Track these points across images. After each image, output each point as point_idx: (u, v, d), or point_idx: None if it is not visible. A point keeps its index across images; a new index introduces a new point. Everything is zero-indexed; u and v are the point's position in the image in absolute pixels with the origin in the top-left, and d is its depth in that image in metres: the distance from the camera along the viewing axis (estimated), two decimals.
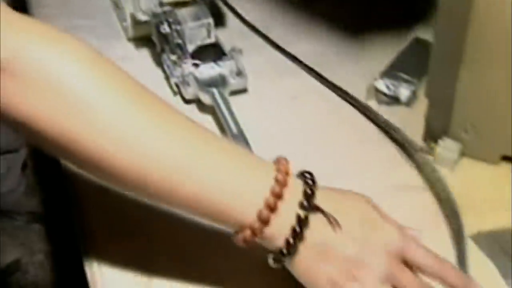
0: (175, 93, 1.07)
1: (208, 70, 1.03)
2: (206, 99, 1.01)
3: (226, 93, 1.01)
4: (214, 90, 1.00)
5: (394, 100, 1.09)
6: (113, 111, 0.61)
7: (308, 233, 0.64)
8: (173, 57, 1.06)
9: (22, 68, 0.59)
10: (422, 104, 1.03)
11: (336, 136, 1.03)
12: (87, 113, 0.60)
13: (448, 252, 0.83)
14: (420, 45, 1.17)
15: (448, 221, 0.88)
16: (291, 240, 0.64)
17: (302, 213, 0.64)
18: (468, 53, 0.90)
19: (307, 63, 1.16)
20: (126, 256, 0.80)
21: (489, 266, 0.83)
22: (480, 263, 0.83)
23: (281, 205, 0.64)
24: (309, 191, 0.65)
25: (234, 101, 1.02)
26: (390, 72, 1.11)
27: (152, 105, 0.64)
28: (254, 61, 1.14)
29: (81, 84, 0.60)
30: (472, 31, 0.88)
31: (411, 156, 0.97)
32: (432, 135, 0.99)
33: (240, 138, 0.93)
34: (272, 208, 0.63)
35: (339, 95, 1.10)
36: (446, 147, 0.97)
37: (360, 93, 1.10)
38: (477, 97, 0.93)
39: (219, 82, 1.02)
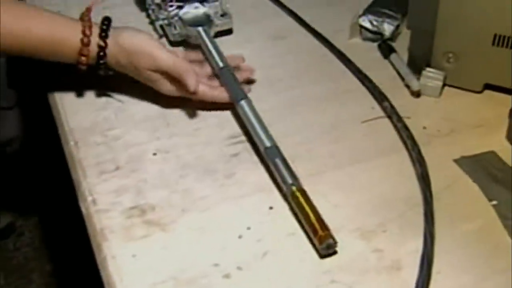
0: (160, 36, 1.10)
1: (192, 9, 1.06)
2: (192, 38, 1.04)
3: (211, 32, 1.04)
4: (200, 29, 1.03)
5: (378, 36, 1.12)
6: None
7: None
8: (157, 1, 1.08)
9: None
10: (406, 38, 1.05)
11: (315, 74, 1.06)
12: None
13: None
14: None
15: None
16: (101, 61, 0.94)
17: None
18: None
19: (290, 4, 1.19)
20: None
21: (474, 188, 0.86)
22: (465, 186, 0.87)
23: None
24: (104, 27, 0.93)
25: (218, 42, 1.04)
26: (374, 9, 1.14)
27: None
28: (238, 2, 1.17)
29: None
30: None
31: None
32: (415, 65, 1.02)
33: (227, 71, 0.96)
34: (85, 44, 0.92)
35: (317, 38, 1.14)
36: (430, 77, 1.00)
37: (344, 31, 1.13)
38: (458, 26, 0.96)
39: (204, 20, 1.05)
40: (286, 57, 1.10)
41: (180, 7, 1.06)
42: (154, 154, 0.90)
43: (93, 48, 0.92)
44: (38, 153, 1.77)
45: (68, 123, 0.95)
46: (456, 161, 0.90)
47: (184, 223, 0.81)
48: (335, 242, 0.76)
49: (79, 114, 0.96)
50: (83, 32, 0.92)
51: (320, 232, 0.76)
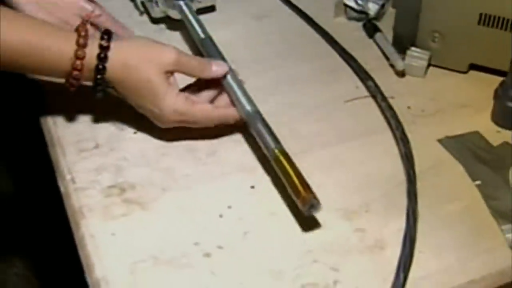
0: (141, 13, 1.09)
1: None
2: (174, 13, 1.03)
3: (193, 8, 1.03)
4: (181, 2, 1.02)
5: (363, 15, 1.11)
6: None
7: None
8: None
9: None
10: (391, 18, 1.05)
11: (299, 54, 1.06)
12: None
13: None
14: None
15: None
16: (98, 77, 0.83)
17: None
18: None
19: None
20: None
21: (458, 169, 0.86)
22: (449, 166, 0.87)
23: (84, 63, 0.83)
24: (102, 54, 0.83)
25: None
26: None
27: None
28: None
29: None
30: None
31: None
32: (400, 45, 1.01)
33: (209, 42, 0.95)
34: (79, 56, 0.82)
35: (301, 17, 1.13)
36: (415, 56, 1.00)
37: (329, 10, 1.13)
38: (443, 5, 0.96)
39: None
40: (270, 36, 1.09)
41: None
42: (135, 133, 0.89)
43: (89, 62, 0.82)
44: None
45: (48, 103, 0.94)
46: (440, 141, 0.89)
47: (165, 202, 0.80)
48: (318, 203, 0.75)
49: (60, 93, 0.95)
50: (77, 43, 0.82)
51: (303, 193, 0.75)
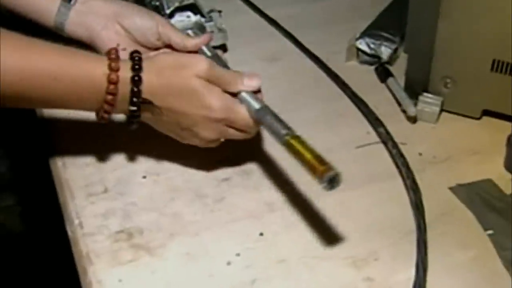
0: None
1: (184, 18, 1.10)
2: None
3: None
4: (189, 31, 1.04)
5: (375, 59, 1.13)
6: None
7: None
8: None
9: None
10: (404, 63, 1.07)
11: (310, 97, 1.08)
12: None
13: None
14: (401, 4, 1.19)
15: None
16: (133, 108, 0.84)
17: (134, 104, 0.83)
18: (446, 5, 0.94)
19: (286, 25, 1.21)
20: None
21: (469, 217, 0.87)
22: (460, 215, 0.88)
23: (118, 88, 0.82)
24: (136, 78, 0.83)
25: None
26: (371, 31, 1.15)
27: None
28: (233, 23, 1.18)
29: None
30: None
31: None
32: (412, 90, 1.03)
33: (216, 58, 0.95)
34: (112, 81, 0.82)
35: (313, 60, 1.15)
36: (427, 102, 1.01)
37: (341, 54, 1.15)
38: (456, 50, 0.98)
39: (195, 26, 1.08)
40: (280, 79, 1.11)
41: (171, 16, 1.09)
42: (144, 177, 0.91)
43: (124, 86, 0.82)
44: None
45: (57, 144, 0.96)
46: (451, 189, 0.91)
47: (172, 248, 0.82)
48: (338, 174, 0.74)
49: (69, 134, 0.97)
50: (110, 67, 0.81)
51: (319, 167, 0.74)
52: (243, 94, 0.87)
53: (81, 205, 0.87)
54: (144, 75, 0.83)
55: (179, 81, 0.84)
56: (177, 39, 0.97)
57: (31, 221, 1.91)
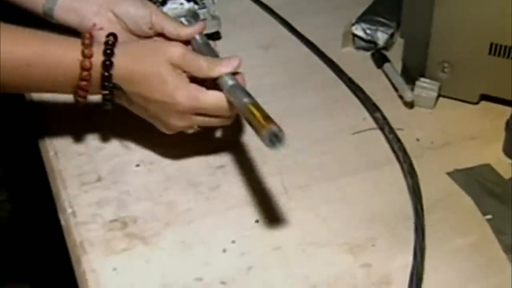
0: None
1: (177, 5, 1.09)
2: None
3: None
4: (183, 19, 1.04)
5: (371, 44, 1.13)
6: None
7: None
8: None
9: None
10: (400, 48, 1.07)
11: (306, 84, 1.08)
12: None
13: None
14: None
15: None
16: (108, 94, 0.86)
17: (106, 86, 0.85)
18: None
19: (282, 12, 1.21)
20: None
21: (468, 202, 0.87)
22: (458, 200, 0.88)
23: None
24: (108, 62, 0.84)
25: None
26: (367, 17, 1.15)
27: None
28: (228, 10, 1.19)
29: None
30: None
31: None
32: (409, 75, 1.03)
33: (207, 47, 0.95)
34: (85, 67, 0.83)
35: (308, 47, 1.15)
36: (424, 87, 1.01)
37: (337, 40, 1.15)
38: (453, 34, 0.97)
39: (188, 14, 1.08)
40: (276, 66, 1.11)
41: (164, 3, 1.09)
42: (138, 165, 0.91)
43: (96, 71, 0.83)
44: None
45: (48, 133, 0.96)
46: (449, 174, 0.91)
47: (167, 237, 0.82)
48: (281, 131, 0.72)
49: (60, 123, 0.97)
50: (83, 53, 0.83)
51: (265, 124, 0.73)
52: (223, 76, 0.86)
53: (73, 194, 0.86)
54: (116, 60, 0.84)
55: (149, 66, 0.84)
56: (170, 28, 0.97)
57: (23, 212, 1.91)
